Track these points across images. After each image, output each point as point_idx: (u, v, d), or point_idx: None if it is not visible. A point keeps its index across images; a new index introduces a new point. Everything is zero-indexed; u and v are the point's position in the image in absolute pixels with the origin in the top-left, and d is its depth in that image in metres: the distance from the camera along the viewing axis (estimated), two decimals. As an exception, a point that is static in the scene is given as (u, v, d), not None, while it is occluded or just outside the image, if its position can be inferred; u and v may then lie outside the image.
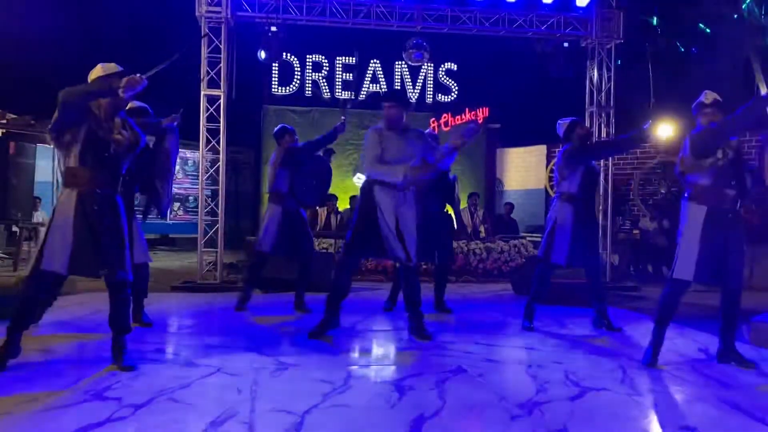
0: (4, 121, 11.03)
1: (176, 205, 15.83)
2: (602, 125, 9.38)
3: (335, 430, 2.86)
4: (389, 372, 3.95)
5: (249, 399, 3.28)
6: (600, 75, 9.34)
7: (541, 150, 14.21)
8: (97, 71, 3.93)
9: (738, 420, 3.15)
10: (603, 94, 9.35)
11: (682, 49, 13.90)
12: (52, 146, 12.11)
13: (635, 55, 11.19)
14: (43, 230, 9.47)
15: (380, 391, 3.48)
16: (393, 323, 5.80)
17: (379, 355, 4.66)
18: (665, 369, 4.13)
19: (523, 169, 14.76)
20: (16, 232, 10.10)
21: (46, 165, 12.23)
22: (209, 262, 8.64)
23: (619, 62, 9.85)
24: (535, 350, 4.68)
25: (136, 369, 3.81)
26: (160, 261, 12.19)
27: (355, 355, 4.54)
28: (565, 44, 9.28)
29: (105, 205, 3.82)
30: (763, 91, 3.80)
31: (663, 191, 11.57)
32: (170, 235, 16.03)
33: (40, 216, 11.30)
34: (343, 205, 11.31)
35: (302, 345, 4.73)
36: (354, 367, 3.99)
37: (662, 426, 3.04)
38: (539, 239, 9.16)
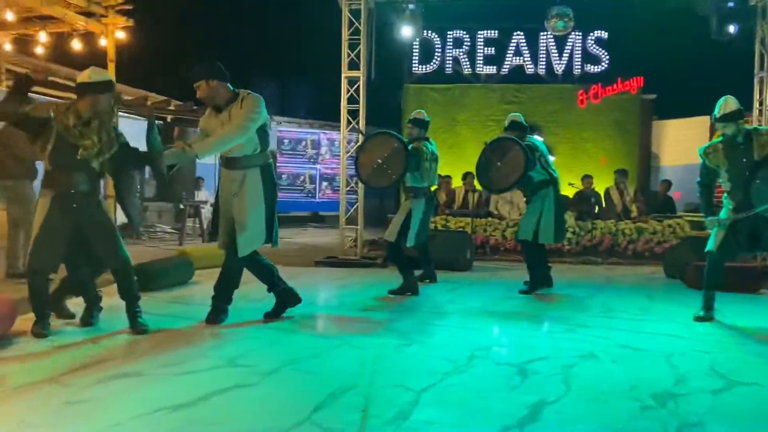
0: (171, 108, 12.07)
1: (324, 184, 16.52)
2: (773, 92, 8.39)
3: (449, 410, 2.83)
4: (514, 354, 3.83)
5: (370, 372, 3.34)
6: (773, 35, 8.34)
7: (703, 122, 12.98)
8: (84, 76, 4.00)
9: None
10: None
11: None
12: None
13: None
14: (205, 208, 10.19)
15: (502, 373, 3.39)
16: (525, 305, 5.64)
17: (505, 336, 4.55)
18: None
19: (683, 143, 13.58)
20: (182, 209, 11.07)
21: (207, 148, 13.23)
22: (351, 239, 8.93)
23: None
24: (679, 338, 4.31)
25: (149, 332, 4.08)
26: (308, 237, 12.80)
27: (482, 335, 4.45)
28: (730, 3, 8.36)
29: (84, 203, 3.99)
30: None
31: None
32: (319, 213, 16.79)
33: (202, 195, 12.29)
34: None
35: (429, 322, 4.74)
36: (478, 348, 3.91)
37: (823, 430, 2.67)
38: (700, 219, 8.45)
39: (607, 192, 10.18)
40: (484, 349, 3.95)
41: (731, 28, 8.99)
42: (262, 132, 4.47)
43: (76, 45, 8.57)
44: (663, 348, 4.00)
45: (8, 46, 8.71)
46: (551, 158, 6.32)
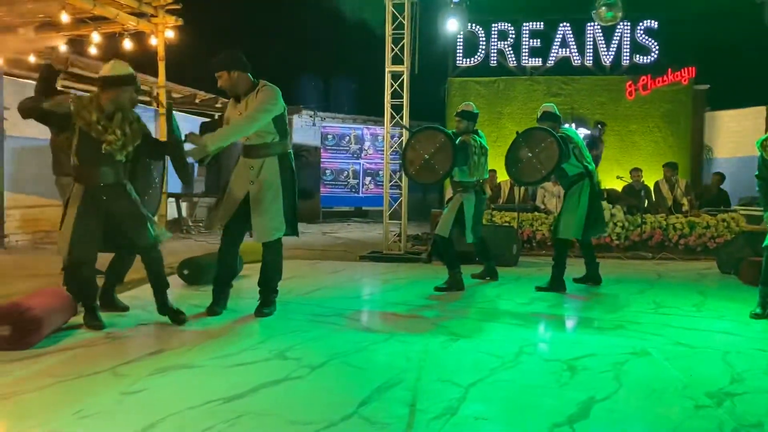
0: (218, 105, 12.27)
1: (367, 179, 16.58)
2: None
3: (497, 406, 2.81)
4: (563, 350, 3.78)
5: (417, 367, 3.34)
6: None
7: (759, 112, 12.54)
8: (106, 69, 4.02)
9: None
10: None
11: None
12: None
13: None
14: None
15: (551, 369, 3.35)
16: (573, 300, 5.56)
17: (553, 332, 4.49)
18: None
19: (737, 135, 13.14)
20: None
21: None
22: (395, 234, 8.94)
23: None
24: (735, 335, 4.19)
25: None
26: (352, 232, 12.87)
27: (529, 331, 4.41)
28: (789, -13, 8.05)
29: (112, 193, 4.04)
30: None
31: None
32: (363, 208, 16.86)
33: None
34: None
35: (476, 317, 4.71)
36: (526, 343, 3.87)
37: None
38: (756, 213, 8.17)
39: (656, 185, 9.93)
40: (532, 345, 3.92)
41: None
42: (281, 121, 4.47)
43: (127, 45, 8.79)
44: (718, 346, 3.89)
45: (63, 47, 9.00)
46: (587, 151, 6.11)
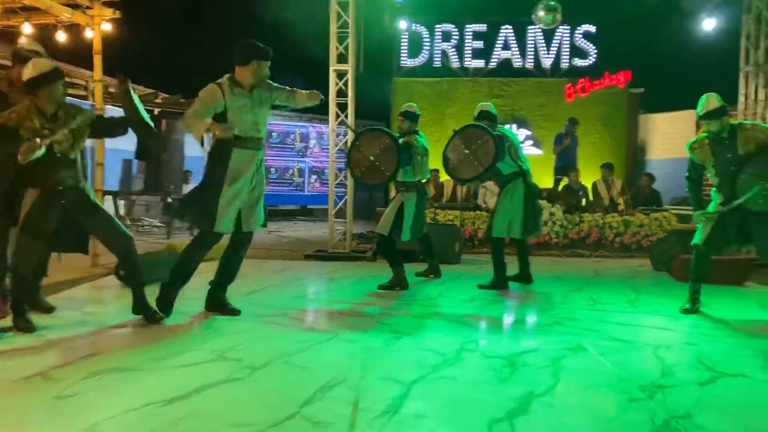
0: (158, 101, 11.99)
1: (313, 177, 16.50)
2: (759, 87, 8.44)
3: (438, 403, 2.84)
4: (503, 347, 3.85)
5: (360, 366, 3.35)
6: (757, 30, 8.38)
7: (689, 115, 13.04)
8: (29, 72, 3.87)
9: None
10: (761, 51, 8.39)
11: None
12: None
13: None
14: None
15: (492, 365, 3.41)
16: (513, 298, 5.68)
17: (494, 329, 4.58)
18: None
19: (670, 137, 13.69)
20: (170, 203, 11.01)
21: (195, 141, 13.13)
22: (340, 232, 8.93)
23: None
24: (667, 330, 4.37)
25: (167, 317, 4.19)
26: (298, 231, 12.78)
27: (471, 328, 4.48)
28: (717, -3, 8.43)
29: (72, 197, 3.99)
30: None
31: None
32: (308, 206, 16.76)
33: (190, 188, 12.22)
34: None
35: (418, 315, 4.76)
36: (467, 341, 3.93)
37: (806, 420, 2.71)
38: (686, 212, 8.52)
39: (594, 185, 10.24)
40: (473, 342, 3.97)
41: (716, 23, 9.05)
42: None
43: (61, 37, 8.46)
44: (650, 340, 4.05)
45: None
46: (523, 150, 6.20)
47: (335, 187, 8.84)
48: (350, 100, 8.54)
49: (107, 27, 7.92)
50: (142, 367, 3.26)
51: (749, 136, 4.71)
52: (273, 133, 15.92)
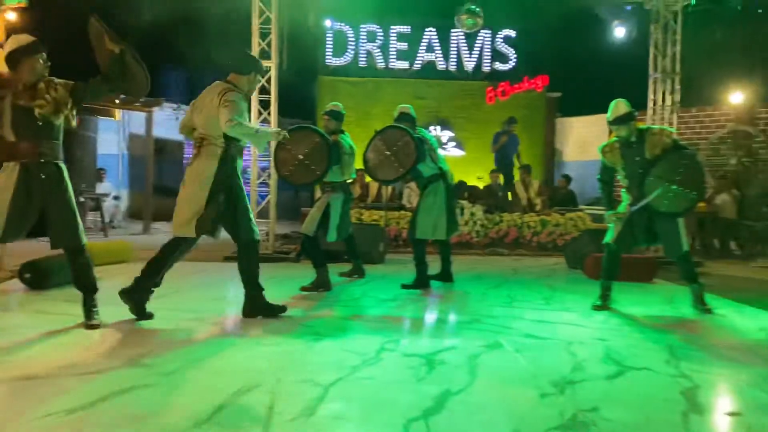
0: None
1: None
2: (666, 93, 8.89)
3: (356, 404, 2.83)
4: (423, 346, 3.89)
5: (278, 369, 3.29)
6: (665, 39, 8.83)
7: (603, 119, 13.55)
8: (11, 45, 3.89)
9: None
10: (668, 59, 8.84)
11: (760, 10, 12.95)
12: (115, 119, 12.37)
13: (704, 18, 10.51)
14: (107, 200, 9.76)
15: (410, 365, 3.43)
16: (434, 297, 5.75)
17: (415, 328, 4.61)
18: (719, 349, 3.92)
19: (584, 140, 14.27)
20: (82, 202, 10.52)
21: (109, 138, 12.63)
22: (263, 233, 8.78)
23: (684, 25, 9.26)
24: (579, 326, 4.52)
25: (101, 327, 4.05)
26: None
27: (392, 327, 4.49)
28: (628, 7, 8.82)
29: (51, 175, 3.92)
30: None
31: (733, 162, 10.92)
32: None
33: (104, 187, 11.73)
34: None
35: (340, 316, 4.73)
36: (388, 340, 3.94)
37: (702, 410, 2.86)
38: (599, 212, 8.88)
39: (512, 186, 10.53)
40: (394, 341, 3.98)
41: (627, 31, 9.46)
42: None
43: (-38, 25, 7.94)
44: (563, 336, 4.17)
45: None
46: (441, 152, 6.28)
47: (258, 187, 8.68)
48: (273, 98, 8.41)
49: (12, 16, 7.51)
50: (47, 375, 3.08)
51: (656, 140, 4.95)
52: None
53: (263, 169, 8.89)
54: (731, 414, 2.86)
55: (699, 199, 5.00)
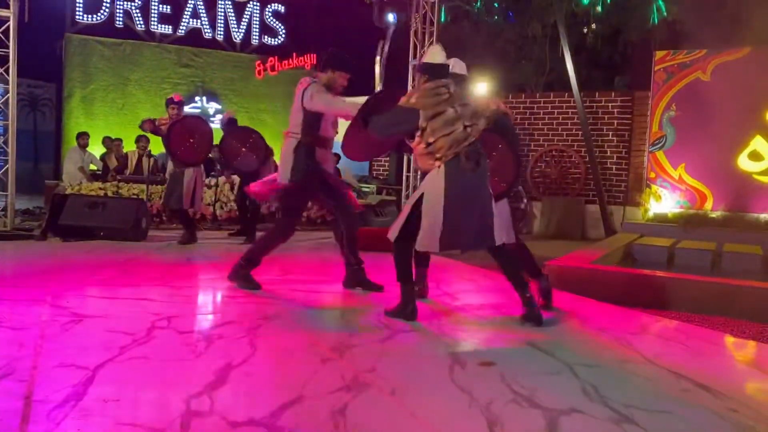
0: None
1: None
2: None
3: (131, 384, 2.63)
4: (198, 322, 3.74)
5: (32, 355, 2.92)
6: (423, 29, 9.49)
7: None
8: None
9: (535, 356, 3.39)
10: (426, 48, 9.52)
11: (496, 17, 14.46)
12: None
13: (462, 13, 11.54)
14: None
15: (186, 342, 3.28)
16: (203, 273, 5.57)
17: (187, 305, 4.41)
18: (471, 311, 4.36)
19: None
20: None
21: None
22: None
23: (444, 19, 10.06)
24: (354, 295, 4.70)
25: None
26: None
27: (160, 305, 4.24)
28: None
29: None
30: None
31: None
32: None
33: None
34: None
35: (97, 296, 4.35)
36: (159, 318, 3.71)
37: (463, 362, 3.17)
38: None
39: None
40: (165, 319, 3.76)
41: (391, 17, 9.99)
42: None
43: None
44: (340, 304, 4.32)
45: None
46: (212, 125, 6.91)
47: (-8, 155, 7.55)
48: (12, 53, 7.34)
49: None
50: None
51: None
52: None
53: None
54: (487, 364, 3.21)
55: None
